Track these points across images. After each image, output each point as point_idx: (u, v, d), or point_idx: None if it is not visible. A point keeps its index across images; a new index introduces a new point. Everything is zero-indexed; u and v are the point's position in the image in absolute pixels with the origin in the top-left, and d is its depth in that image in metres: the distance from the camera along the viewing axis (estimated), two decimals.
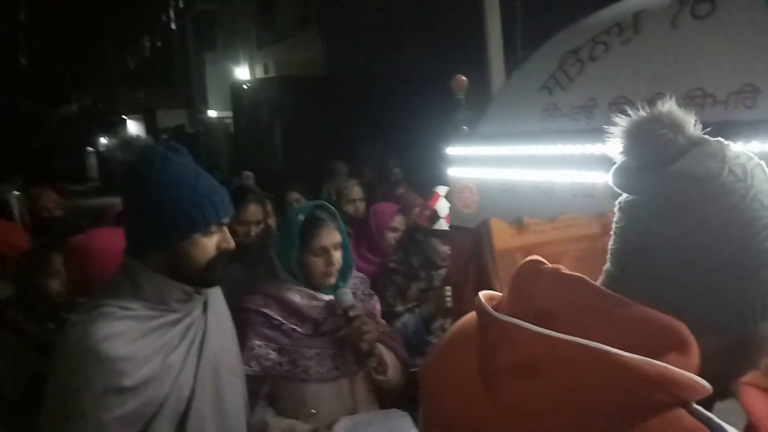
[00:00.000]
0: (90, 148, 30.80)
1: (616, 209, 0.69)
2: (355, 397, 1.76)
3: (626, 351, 0.56)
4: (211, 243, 1.33)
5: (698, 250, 0.61)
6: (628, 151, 0.66)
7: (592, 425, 0.58)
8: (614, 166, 0.68)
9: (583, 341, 0.58)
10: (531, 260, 0.74)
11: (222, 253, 1.35)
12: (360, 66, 10.25)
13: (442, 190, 2.30)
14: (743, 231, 0.60)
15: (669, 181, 0.63)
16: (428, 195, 2.43)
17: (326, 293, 1.78)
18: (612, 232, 0.70)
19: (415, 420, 1.64)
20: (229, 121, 16.34)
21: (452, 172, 1.63)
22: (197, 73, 19.69)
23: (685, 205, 0.62)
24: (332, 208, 1.84)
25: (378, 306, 1.97)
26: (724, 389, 0.67)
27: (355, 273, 1.90)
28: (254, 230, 2.33)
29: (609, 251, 0.71)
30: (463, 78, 1.63)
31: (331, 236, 1.77)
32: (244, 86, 14.65)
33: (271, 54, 15.09)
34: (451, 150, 1.62)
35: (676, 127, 0.64)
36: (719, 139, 0.65)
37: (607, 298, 0.63)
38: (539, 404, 0.60)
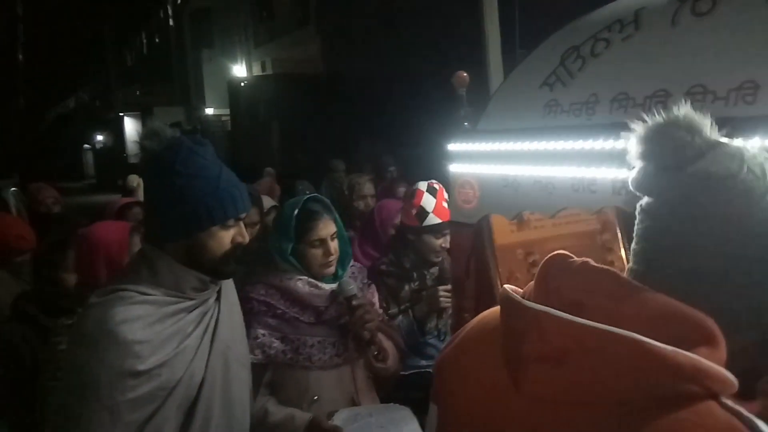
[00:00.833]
0: (87, 146, 30.76)
1: (637, 212, 0.70)
2: (356, 383, 1.81)
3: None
4: (227, 236, 1.37)
5: (724, 247, 0.62)
6: (646, 155, 0.68)
7: (622, 415, 0.58)
8: (634, 171, 0.70)
9: (615, 330, 0.58)
10: (558, 254, 0.74)
11: (236, 247, 1.39)
12: (358, 64, 10.25)
13: (423, 185, 2.30)
14: (766, 227, 0.61)
15: (689, 183, 0.64)
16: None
17: (326, 282, 1.80)
18: (634, 234, 0.71)
19: (417, 416, 1.66)
20: (227, 118, 16.34)
21: (453, 168, 1.64)
22: (194, 71, 19.67)
23: (706, 205, 0.63)
24: (325, 199, 1.86)
25: (376, 295, 1.99)
26: (749, 387, 0.67)
27: (352, 262, 1.92)
28: (250, 231, 2.34)
29: (632, 252, 0.72)
30: (464, 74, 1.63)
31: (327, 227, 1.80)
32: (242, 84, 14.64)
33: (268, 51, 15.07)
34: (452, 146, 1.63)
35: (693, 129, 0.65)
36: (738, 139, 0.66)
37: (637, 289, 0.64)
38: (567, 393, 0.61)
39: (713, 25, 1.10)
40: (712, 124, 0.66)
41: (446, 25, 7.46)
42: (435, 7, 7.96)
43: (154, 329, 1.27)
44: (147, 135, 1.34)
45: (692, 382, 0.56)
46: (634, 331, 0.57)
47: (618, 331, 0.58)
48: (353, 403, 1.80)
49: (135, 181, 5.18)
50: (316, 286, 1.79)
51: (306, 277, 1.79)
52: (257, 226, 2.38)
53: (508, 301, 0.70)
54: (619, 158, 1.16)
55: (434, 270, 2.35)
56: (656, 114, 0.68)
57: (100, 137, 28.80)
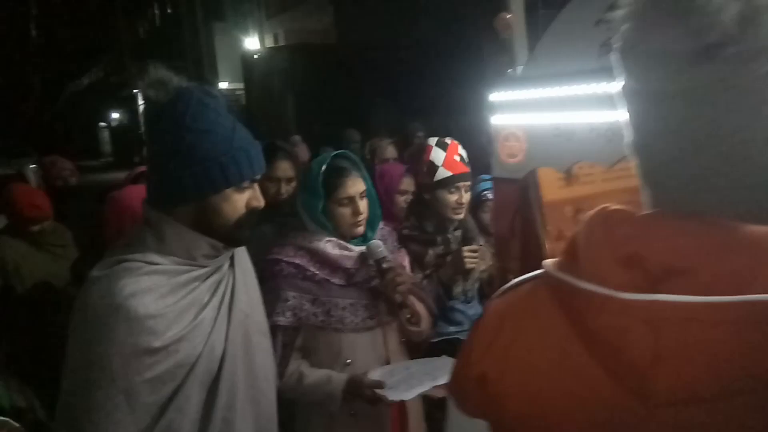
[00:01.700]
0: (102, 123, 30.81)
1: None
2: (388, 347, 1.75)
3: None
4: (242, 199, 1.24)
5: None
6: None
7: None
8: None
9: (758, 297, 0.47)
10: (615, 211, 0.60)
11: (251, 212, 1.27)
12: (372, 32, 10.03)
13: (433, 140, 2.22)
14: None
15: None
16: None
17: (355, 244, 1.72)
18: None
19: None
20: (241, 92, 16.20)
21: (496, 119, 1.52)
22: (207, 45, 19.48)
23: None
24: (354, 156, 1.76)
25: (407, 259, 1.91)
26: None
27: (381, 225, 1.84)
28: (285, 189, 2.23)
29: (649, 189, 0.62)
30: (508, 15, 1.50)
31: (356, 185, 1.70)
32: (255, 56, 14.46)
33: (280, 23, 14.84)
34: (495, 95, 1.51)
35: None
36: None
37: (750, 233, 0.51)
38: (703, 389, 0.49)
39: None
40: None
41: None
42: None
43: (167, 301, 1.17)
44: (151, 84, 1.21)
45: None
46: None
47: (761, 299, 0.47)
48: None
49: None
50: (346, 248, 1.71)
51: (335, 239, 1.70)
52: (293, 183, 2.26)
53: (590, 295, 0.55)
54: None
55: (458, 233, 2.23)
56: None
57: (115, 115, 28.83)
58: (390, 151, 3.22)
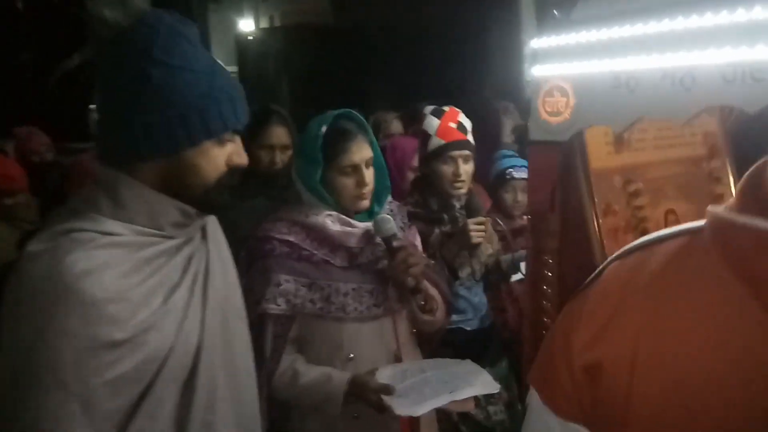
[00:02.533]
0: (92, 106, 30.35)
1: None
2: (399, 339, 1.51)
3: None
4: (222, 155, 1.01)
5: None
6: None
7: None
8: None
9: None
10: None
11: (233, 171, 1.03)
12: (371, 13, 9.74)
13: (428, 108, 2.07)
14: None
15: None
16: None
17: (360, 220, 1.48)
18: None
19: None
20: (235, 74, 15.86)
21: (537, 71, 1.28)
22: (200, 26, 19.02)
23: None
24: (359, 116, 1.50)
25: (418, 238, 1.67)
26: None
27: (389, 198, 1.59)
28: (280, 158, 1.99)
29: None
30: None
31: (362, 151, 1.46)
32: (249, 38, 14.14)
33: (276, 4, 14.49)
34: (537, 42, 1.27)
35: None
36: None
37: None
38: None
39: None
40: None
41: None
42: None
43: (131, 281, 0.93)
44: (108, 1, 0.93)
45: None
46: None
47: None
48: (396, 361, 1.50)
49: None
50: (349, 224, 1.46)
51: (336, 213, 1.46)
52: (289, 152, 2.01)
53: None
54: None
55: (464, 210, 2.05)
56: None
57: None
58: (395, 125, 2.97)
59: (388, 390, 1.32)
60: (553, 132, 1.26)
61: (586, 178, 1.26)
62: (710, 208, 0.52)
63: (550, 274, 1.35)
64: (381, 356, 1.48)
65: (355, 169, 1.45)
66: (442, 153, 1.96)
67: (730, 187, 1.52)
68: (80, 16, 0.98)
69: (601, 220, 1.26)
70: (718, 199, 1.52)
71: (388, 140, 2.85)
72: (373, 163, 1.49)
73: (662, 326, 0.49)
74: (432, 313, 1.53)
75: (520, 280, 2.15)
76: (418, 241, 1.68)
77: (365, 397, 1.35)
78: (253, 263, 1.42)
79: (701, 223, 0.51)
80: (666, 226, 1.43)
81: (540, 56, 1.27)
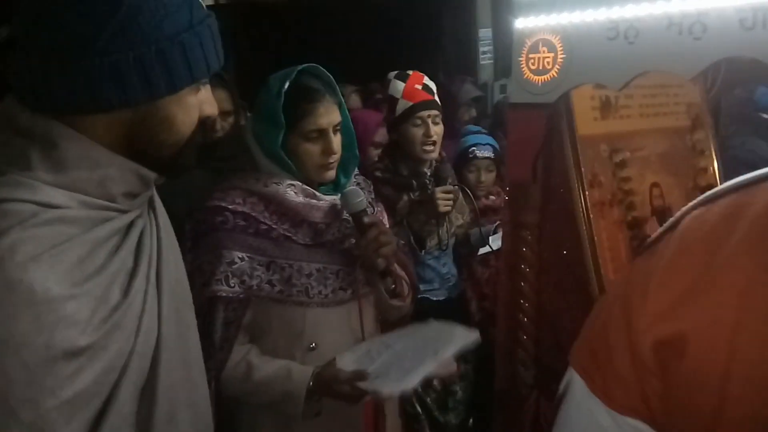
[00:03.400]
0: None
1: None
2: (364, 326, 1.34)
3: None
4: (197, 104, 0.81)
5: None
6: None
7: None
8: None
9: None
10: None
11: (203, 124, 0.83)
12: None
13: (392, 74, 2.01)
14: None
15: None
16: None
17: (324, 192, 1.31)
18: None
19: None
20: None
21: (520, 23, 1.15)
22: None
23: None
24: (327, 73, 1.32)
25: (386, 216, 1.52)
26: None
27: (357, 171, 1.43)
28: (221, 125, 1.79)
29: None
30: None
31: (329, 114, 1.27)
32: None
33: None
34: None
35: None
36: None
37: None
38: None
39: None
40: None
41: None
42: None
43: (86, 269, 0.71)
44: None
45: None
46: None
47: None
48: None
49: None
50: (314, 196, 1.28)
51: (299, 183, 1.28)
52: (230, 119, 1.82)
53: None
54: None
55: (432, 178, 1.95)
56: None
57: None
58: (354, 99, 2.79)
59: (361, 376, 1.16)
60: (538, 92, 1.13)
61: (573, 146, 1.14)
62: None
63: (528, 251, 1.23)
64: (345, 346, 1.29)
65: (322, 134, 1.25)
66: (411, 115, 1.88)
67: (713, 161, 1.44)
68: None
69: (587, 192, 1.14)
70: (702, 173, 1.43)
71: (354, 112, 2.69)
72: (342, 128, 1.33)
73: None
74: (401, 297, 1.37)
75: (484, 256, 2.07)
76: (385, 219, 1.52)
77: (335, 390, 1.19)
78: (201, 238, 1.22)
79: None
80: (651, 201, 1.33)
81: (523, 6, 1.13)
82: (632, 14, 0.97)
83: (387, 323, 1.45)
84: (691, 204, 0.42)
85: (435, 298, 2.01)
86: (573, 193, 1.15)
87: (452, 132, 2.56)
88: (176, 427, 0.82)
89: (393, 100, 1.94)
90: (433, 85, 1.96)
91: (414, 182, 1.91)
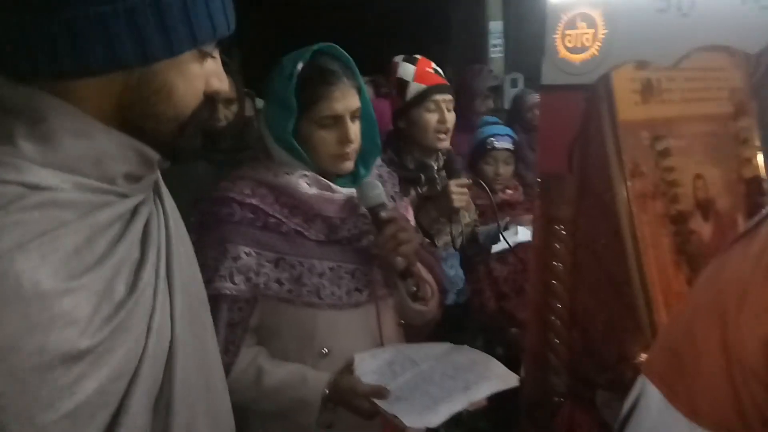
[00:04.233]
0: None
1: None
2: (382, 331, 1.25)
3: None
4: (202, 75, 0.70)
5: None
6: None
7: None
8: None
9: None
10: None
11: (211, 100, 0.73)
12: None
13: (399, 57, 1.89)
14: None
15: None
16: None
17: (341, 185, 1.22)
18: None
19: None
20: None
21: None
22: None
23: None
24: (346, 54, 1.22)
25: (410, 211, 1.42)
26: None
27: (379, 162, 1.34)
28: (224, 113, 1.69)
29: None
30: None
31: (347, 98, 1.17)
32: None
33: None
34: None
35: None
36: None
37: None
38: None
39: None
40: None
41: None
42: None
43: (85, 260, 0.61)
44: None
45: None
46: None
47: None
48: None
49: None
50: (328, 188, 1.19)
51: (313, 174, 1.19)
52: (233, 107, 1.72)
53: None
54: None
55: (444, 173, 1.82)
56: None
57: None
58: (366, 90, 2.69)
59: (382, 393, 1.07)
60: (576, 73, 1.03)
61: (614, 132, 1.03)
62: None
63: (562, 247, 1.14)
64: (360, 351, 1.23)
65: (338, 120, 1.16)
66: (425, 99, 1.75)
67: (756, 150, 1.34)
68: None
69: (629, 183, 1.03)
70: (746, 163, 1.33)
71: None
72: (361, 115, 1.23)
73: None
74: (424, 301, 1.27)
75: (501, 253, 1.96)
76: (410, 215, 1.42)
77: (351, 403, 1.10)
78: (206, 231, 1.14)
79: None
80: (695, 194, 1.23)
81: None
82: None
83: (411, 328, 1.36)
84: None
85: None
86: (613, 184, 1.05)
87: (467, 125, 2.44)
88: None
89: (403, 84, 1.80)
90: (441, 71, 1.86)
91: (422, 176, 1.78)
